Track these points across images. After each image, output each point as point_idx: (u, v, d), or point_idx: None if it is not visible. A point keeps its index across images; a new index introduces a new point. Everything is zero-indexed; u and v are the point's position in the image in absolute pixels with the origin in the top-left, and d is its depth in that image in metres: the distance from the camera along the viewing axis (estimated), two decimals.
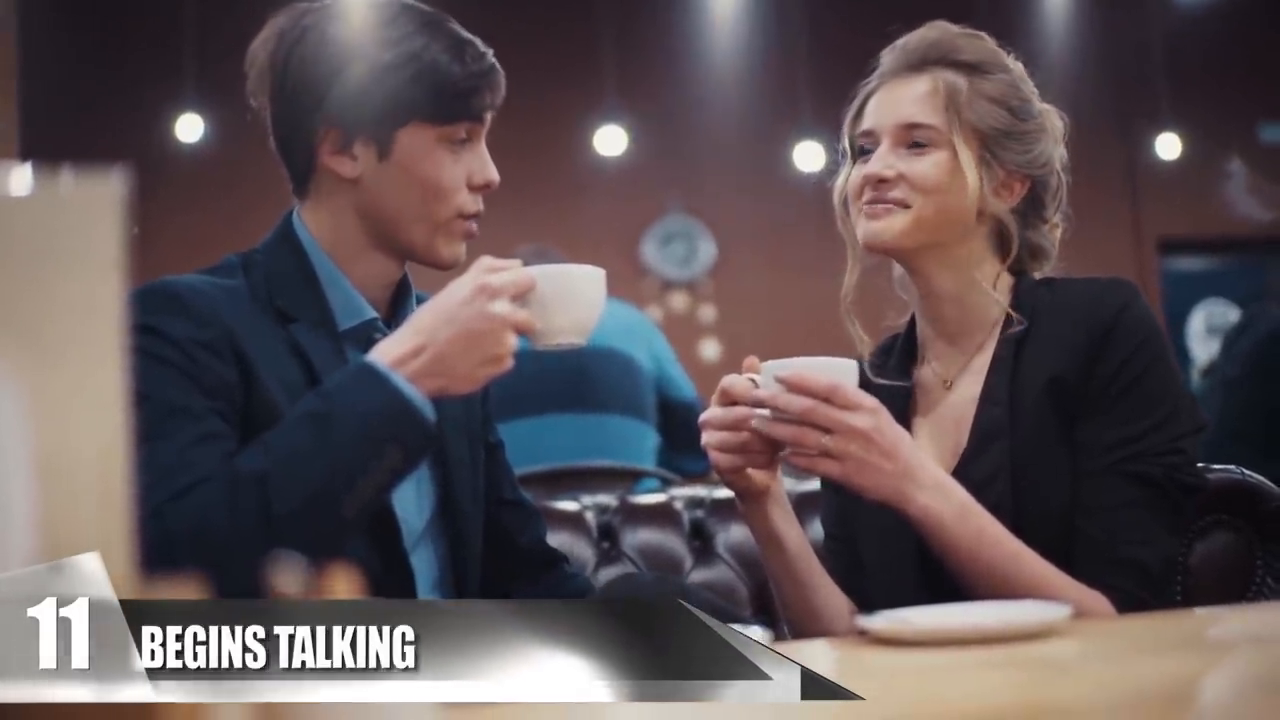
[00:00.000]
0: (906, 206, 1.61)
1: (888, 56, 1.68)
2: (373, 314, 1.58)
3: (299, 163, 1.59)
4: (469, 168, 1.57)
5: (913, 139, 1.62)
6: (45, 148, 6.62)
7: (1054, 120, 1.69)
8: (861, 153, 1.67)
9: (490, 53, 1.59)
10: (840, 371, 1.48)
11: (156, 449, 1.33)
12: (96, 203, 0.75)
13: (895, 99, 1.64)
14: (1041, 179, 1.66)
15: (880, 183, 1.61)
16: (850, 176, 1.67)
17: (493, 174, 1.58)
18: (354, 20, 1.57)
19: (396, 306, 1.64)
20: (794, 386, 1.45)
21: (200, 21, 6.93)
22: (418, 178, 1.54)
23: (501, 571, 1.72)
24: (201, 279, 1.51)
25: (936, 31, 1.66)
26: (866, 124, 1.66)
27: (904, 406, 1.67)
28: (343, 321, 1.56)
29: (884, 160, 1.62)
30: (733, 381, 1.55)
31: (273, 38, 1.58)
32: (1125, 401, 1.53)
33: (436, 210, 1.55)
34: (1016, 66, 1.69)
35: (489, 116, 1.59)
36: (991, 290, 1.64)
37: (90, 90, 7.18)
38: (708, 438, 1.55)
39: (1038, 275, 1.70)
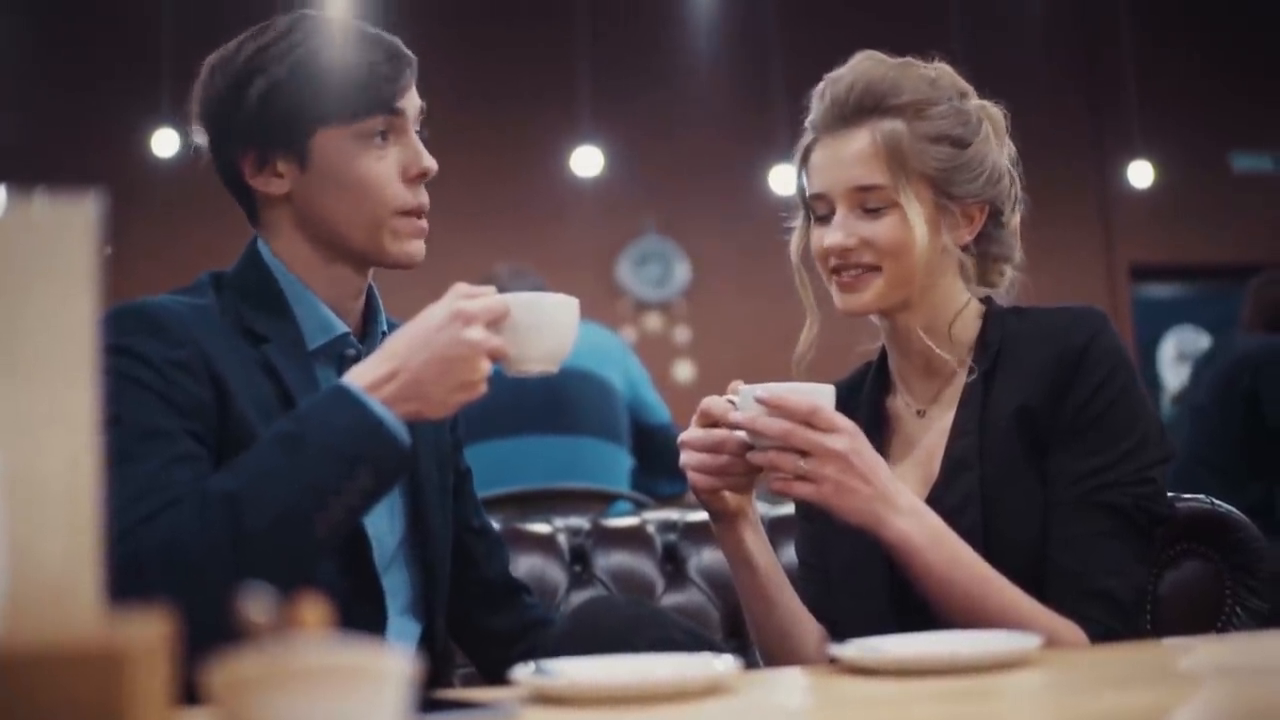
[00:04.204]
0: (878, 269, 1.60)
1: (820, 105, 1.64)
2: (343, 328, 1.58)
3: (238, 191, 1.61)
4: (399, 161, 1.55)
5: (866, 201, 1.60)
6: (19, 162, 6.60)
7: (993, 118, 1.67)
8: (817, 214, 1.66)
9: (395, 41, 1.57)
10: (819, 395, 1.48)
11: (130, 471, 1.32)
12: (69, 226, 0.74)
13: (839, 159, 1.61)
14: (998, 195, 1.65)
15: (845, 251, 1.60)
16: (810, 240, 1.66)
17: (428, 162, 1.56)
18: (250, 44, 1.56)
19: (367, 321, 1.64)
20: (774, 408, 1.45)
21: (177, 37, 6.91)
22: (342, 180, 1.53)
23: (464, 598, 1.72)
24: (174, 299, 1.51)
25: (866, 73, 1.62)
26: (816, 187, 1.64)
27: (878, 436, 1.67)
28: (313, 340, 1.56)
29: (844, 229, 1.60)
30: (712, 403, 1.55)
31: (197, 83, 1.59)
32: (1095, 431, 1.53)
33: (371, 209, 1.54)
34: (943, 73, 1.66)
35: (405, 104, 1.56)
36: (961, 321, 1.65)
37: (66, 105, 7.16)
38: (686, 458, 1.55)
39: (1003, 277, 1.70)
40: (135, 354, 1.41)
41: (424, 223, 1.58)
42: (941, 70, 1.67)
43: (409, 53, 1.57)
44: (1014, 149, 1.69)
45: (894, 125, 1.60)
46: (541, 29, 7.72)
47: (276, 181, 1.55)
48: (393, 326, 1.60)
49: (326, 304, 1.57)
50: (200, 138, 1.61)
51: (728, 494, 1.57)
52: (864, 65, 1.64)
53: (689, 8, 8.06)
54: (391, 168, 1.54)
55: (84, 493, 0.74)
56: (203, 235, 6.84)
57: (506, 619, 1.74)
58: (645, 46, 7.96)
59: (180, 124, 6.57)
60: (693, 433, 1.56)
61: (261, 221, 1.60)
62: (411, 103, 1.57)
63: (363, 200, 1.53)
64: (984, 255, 1.68)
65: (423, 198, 1.57)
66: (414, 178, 1.56)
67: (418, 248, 1.57)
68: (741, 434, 1.51)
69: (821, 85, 1.65)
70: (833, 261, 1.63)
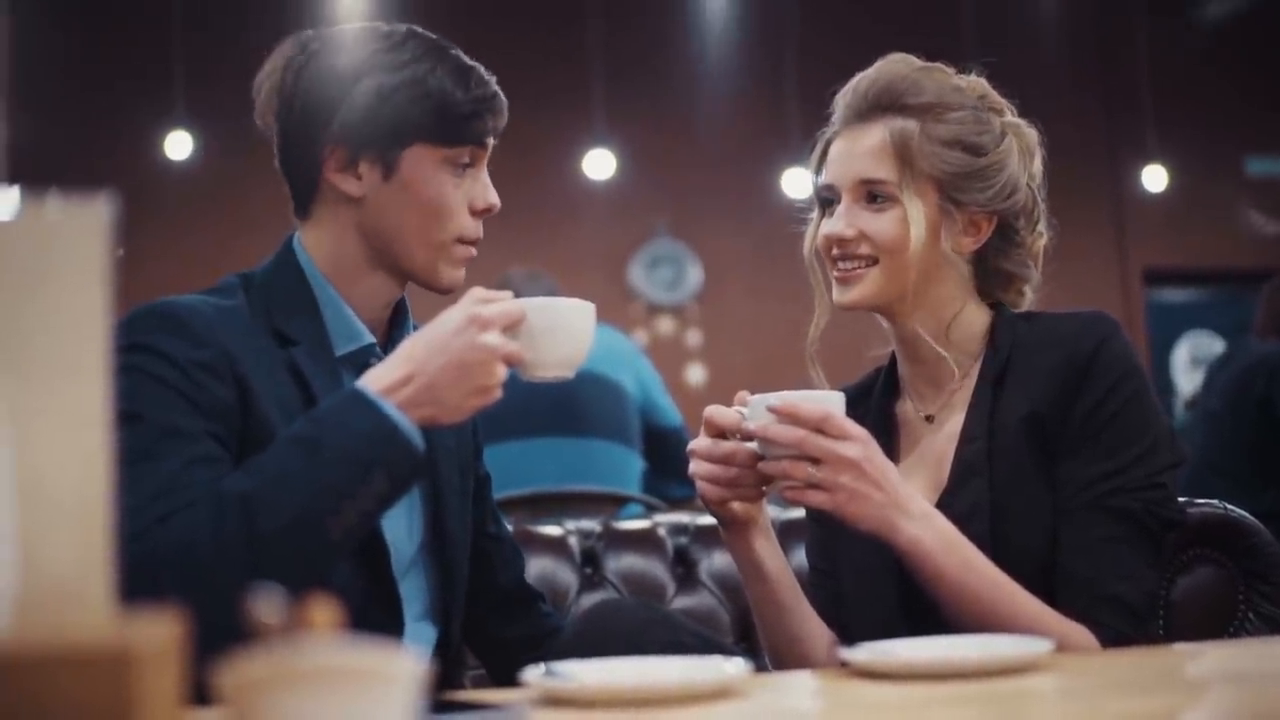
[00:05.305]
0: (874, 262, 1.61)
1: (842, 100, 1.66)
2: (370, 339, 1.58)
3: (303, 181, 1.60)
4: (471, 192, 1.58)
5: (870, 195, 1.61)
6: (34, 166, 6.62)
7: (1023, 137, 1.67)
8: (826, 204, 1.67)
9: (494, 80, 1.61)
10: (829, 403, 1.48)
11: (149, 469, 1.32)
12: (82, 228, 0.75)
13: (850, 152, 1.63)
14: (1009, 210, 1.65)
15: (843, 241, 1.62)
16: (817, 230, 1.67)
17: (494, 199, 1.60)
18: (361, 44, 1.58)
19: (393, 330, 1.64)
20: (786, 416, 1.45)
21: (190, 39, 6.93)
22: (421, 198, 1.55)
23: (479, 604, 1.71)
24: (200, 299, 1.51)
25: (889, 72, 1.64)
26: (826, 177, 1.66)
27: (887, 441, 1.67)
28: (339, 346, 1.57)
29: (845, 219, 1.62)
30: (720, 413, 1.54)
31: (281, 62, 1.60)
32: (1104, 437, 1.53)
33: (438, 232, 1.56)
34: (977, 84, 1.67)
35: (491, 142, 1.60)
36: (968, 327, 1.64)
37: (80, 108, 7.17)
38: (695, 467, 1.55)
39: (1023, 297, 1.70)
40: (159, 352, 1.41)
41: (474, 251, 1.60)
42: (973, 81, 1.68)
43: (503, 96, 1.61)
44: (1040, 171, 1.69)
45: (906, 124, 1.61)
46: (555, 32, 7.73)
47: (354, 182, 1.56)
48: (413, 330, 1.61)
49: (355, 312, 1.58)
50: (269, 120, 1.61)
51: (736, 504, 1.57)
52: (889, 65, 1.66)
53: (702, 11, 8.06)
54: (464, 197, 1.57)
55: (96, 493, 0.74)
56: (214, 237, 6.89)
57: (521, 627, 1.74)
58: (658, 50, 7.96)
59: (195, 124, 6.60)
60: (701, 442, 1.55)
61: (314, 215, 1.60)
62: (492, 142, 1.61)
63: (433, 222, 1.56)
64: (996, 271, 1.68)
65: (480, 231, 1.60)
66: (479, 211, 1.59)
67: (461, 275, 1.60)
68: (751, 445, 1.51)
69: (849, 83, 1.67)
70: (834, 251, 1.63)
